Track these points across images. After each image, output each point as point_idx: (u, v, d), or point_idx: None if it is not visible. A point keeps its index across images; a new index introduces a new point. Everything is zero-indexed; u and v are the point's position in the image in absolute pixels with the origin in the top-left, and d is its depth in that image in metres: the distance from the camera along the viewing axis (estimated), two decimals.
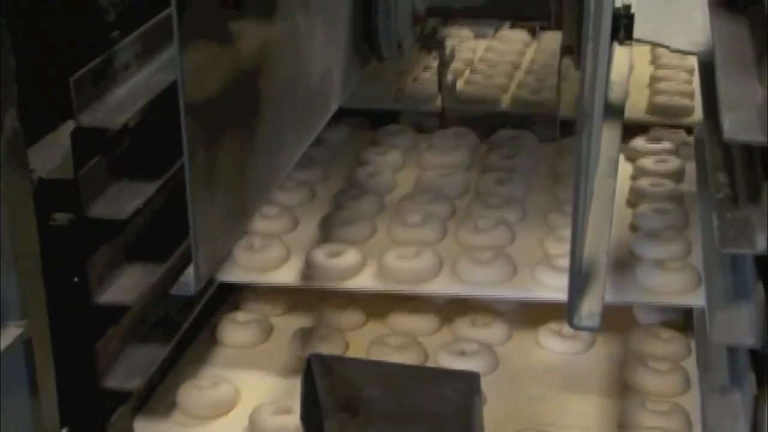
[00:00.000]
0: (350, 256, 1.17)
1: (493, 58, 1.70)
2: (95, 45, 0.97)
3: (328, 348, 1.15)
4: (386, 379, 0.91)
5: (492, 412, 1.00)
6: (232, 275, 1.17)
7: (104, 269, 0.99)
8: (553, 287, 1.11)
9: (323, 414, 0.91)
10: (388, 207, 1.31)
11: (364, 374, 0.91)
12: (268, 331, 1.22)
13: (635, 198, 1.30)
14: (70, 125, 0.93)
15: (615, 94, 1.17)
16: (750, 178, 0.92)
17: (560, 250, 1.15)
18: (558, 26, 1.33)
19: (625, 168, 1.34)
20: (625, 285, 1.12)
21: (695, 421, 1.03)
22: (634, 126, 1.44)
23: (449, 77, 1.51)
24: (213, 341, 1.20)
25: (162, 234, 1.04)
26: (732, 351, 0.94)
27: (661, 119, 1.52)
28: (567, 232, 1.12)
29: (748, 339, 0.86)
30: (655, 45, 1.60)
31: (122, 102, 0.96)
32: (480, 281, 1.15)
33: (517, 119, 1.49)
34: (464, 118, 1.51)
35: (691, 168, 1.32)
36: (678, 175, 1.35)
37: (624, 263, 1.16)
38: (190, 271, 0.86)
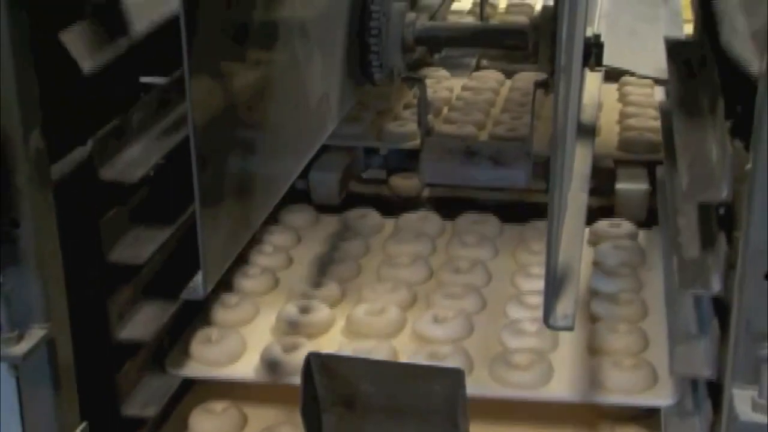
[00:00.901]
0: (306, 351, 1.10)
1: (469, 96, 1.70)
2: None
3: None
4: (379, 376, 0.95)
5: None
6: (186, 370, 1.14)
7: (123, 307, 1.05)
8: (512, 384, 1.09)
9: (321, 408, 0.96)
10: (348, 295, 1.26)
11: (359, 371, 0.95)
12: None
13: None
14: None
15: (587, 115, 1.22)
16: (707, 223, 0.98)
17: (519, 344, 1.14)
18: (535, 54, 1.41)
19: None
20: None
21: None
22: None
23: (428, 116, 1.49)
24: None
25: (174, 272, 1.07)
26: (692, 380, 1.01)
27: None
28: (526, 325, 1.17)
29: (706, 371, 0.92)
30: (622, 70, 1.70)
31: (139, 157, 1.02)
32: None
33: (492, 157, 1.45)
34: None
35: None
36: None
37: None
38: (199, 277, 0.88)
